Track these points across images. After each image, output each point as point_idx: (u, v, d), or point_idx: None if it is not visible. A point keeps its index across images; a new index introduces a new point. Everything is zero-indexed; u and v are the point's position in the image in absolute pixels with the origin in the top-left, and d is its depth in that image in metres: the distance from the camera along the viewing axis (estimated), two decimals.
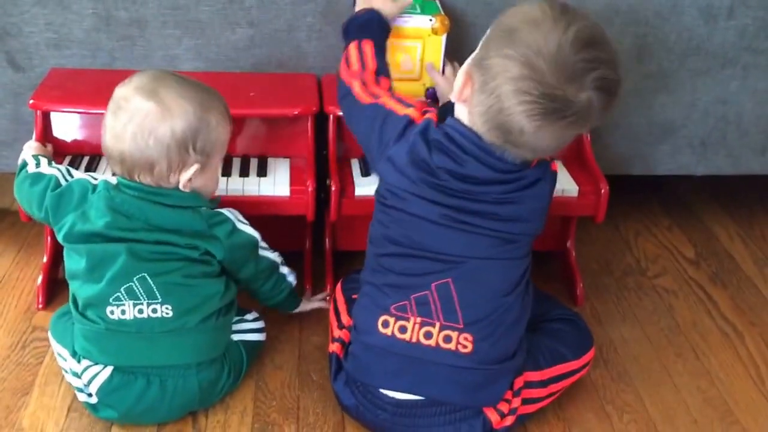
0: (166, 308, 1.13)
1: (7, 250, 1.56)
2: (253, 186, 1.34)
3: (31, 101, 1.34)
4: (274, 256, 1.27)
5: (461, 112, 1.10)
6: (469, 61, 1.09)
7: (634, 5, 1.46)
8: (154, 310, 1.13)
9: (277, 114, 1.37)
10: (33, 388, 1.23)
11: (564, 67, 0.99)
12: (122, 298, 1.12)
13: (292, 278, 1.30)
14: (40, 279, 1.41)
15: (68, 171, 1.22)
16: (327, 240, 1.48)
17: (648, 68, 1.52)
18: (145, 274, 1.12)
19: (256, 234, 1.22)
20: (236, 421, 1.20)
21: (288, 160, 1.41)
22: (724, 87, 1.56)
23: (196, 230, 1.15)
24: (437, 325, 1.10)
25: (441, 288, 1.10)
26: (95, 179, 1.18)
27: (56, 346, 1.21)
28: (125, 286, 1.12)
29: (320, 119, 1.39)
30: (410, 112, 1.14)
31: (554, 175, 1.16)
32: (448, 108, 1.15)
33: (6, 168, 1.53)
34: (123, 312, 1.12)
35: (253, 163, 1.39)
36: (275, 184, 1.34)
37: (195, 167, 1.13)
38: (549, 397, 1.20)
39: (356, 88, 1.20)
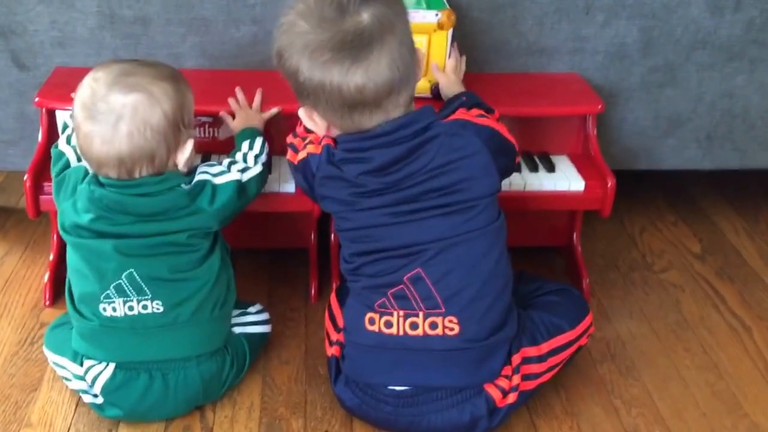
0: (157, 304, 1.13)
1: (14, 248, 1.57)
2: None
3: (37, 99, 1.34)
4: (256, 167, 1.23)
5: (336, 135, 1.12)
6: (300, 111, 1.13)
7: None
8: (145, 306, 1.13)
9: (281, 110, 1.37)
10: (41, 384, 1.24)
11: (325, 20, 1.03)
12: (112, 296, 1.12)
13: (263, 159, 1.26)
14: (47, 276, 1.42)
15: None
16: (332, 236, 1.47)
17: (654, 61, 1.52)
18: (132, 271, 1.11)
19: (234, 176, 1.18)
20: (244, 416, 1.20)
21: None
22: (731, 80, 1.55)
23: (181, 209, 1.12)
24: (420, 314, 1.11)
25: (413, 279, 1.10)
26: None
27: (53, 357, 1.22)
28: (114, 283, 1.12)
29: None
30: (308, 150, 1.16)
31: (460, 124, 1.11)
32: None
33: (12, 167, 1.53)
34: (114, 309, 1.12)
35: None
36: (281, 180, 1.34)
37: (191, 142, 1.12)
38: (549, 372, 1.19)
39: (290, 153, 1.24)
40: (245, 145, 1.26)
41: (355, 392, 1.17)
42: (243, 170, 1.21)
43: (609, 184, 1.38)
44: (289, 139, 1.26)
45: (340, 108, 1.06)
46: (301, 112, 1.13)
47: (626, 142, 1.60)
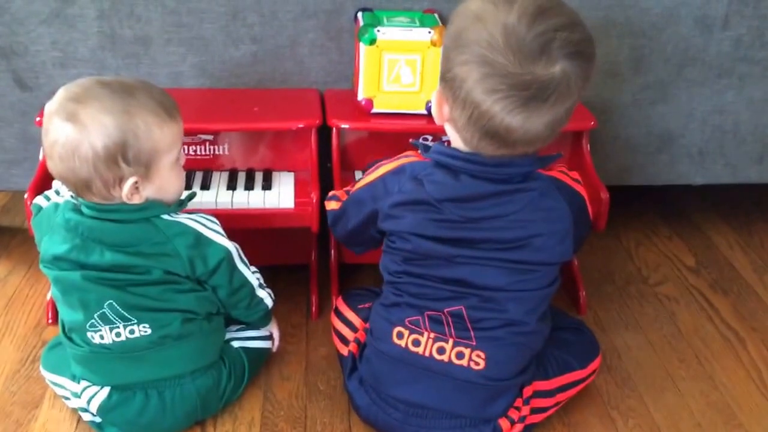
0: (143, 327, 1.12)
1: (17, 267, 1.58)
2: (258, 199, 1.35)
3: (38, 119, 1.36)
4: (252, 276, 1.21)
5: (450, 132, 1.10)
6: (439, 80, 1.07)
7: (631, 17, 1.49)
8: (132, 331, 1.12)
9: (281, 128, 1.39)
10: (43, 402, 1.25)
11: (521, 49, 0.96)
12: (97, 325, 1.12)
13: (269, 301, 1.25)
14: (49, 294, 1.42)
15: (56, 192, 1.21)
16: (332, 252, 1.49)
17: (645, 79, 1.55)
18: (112, 301, 1.10)
19: (228, 245, 1.15)
20: (244, 430, 1.21)
21: (292, 173, 1.43)
22: (721, 97, 1.58)
23: (154, 245, 1.10)
24: (450, 341, 1.11)
25: (454, 314, 1.11)
26: (63, 197, 1.16)
27: (51, 377, 1.22)
28: (97, 313, 1.11)
29: (324, 132, 1.41)
30: (405, 160, 1.12)
31: (557, 184, 1.10)
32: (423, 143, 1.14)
33: (15, 186, 1.54)
34: (102, 337, 1.12)
35: (258, 177, 1.41)
36: (280, 196, 1.36)
37: (132, 180, 1.08)
38: (555, 407, 1.21)
39: (333, 204, 1.25)
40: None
41: (367, 391, 1.17)
42: (242, 264, 1.19)
43: (603, 198, 1.40)
44: (331, 193, 1.27)
45: (477, 128, 1.02)
46: (434, 96, 1.07)
47: (620, 158, 1.62)
